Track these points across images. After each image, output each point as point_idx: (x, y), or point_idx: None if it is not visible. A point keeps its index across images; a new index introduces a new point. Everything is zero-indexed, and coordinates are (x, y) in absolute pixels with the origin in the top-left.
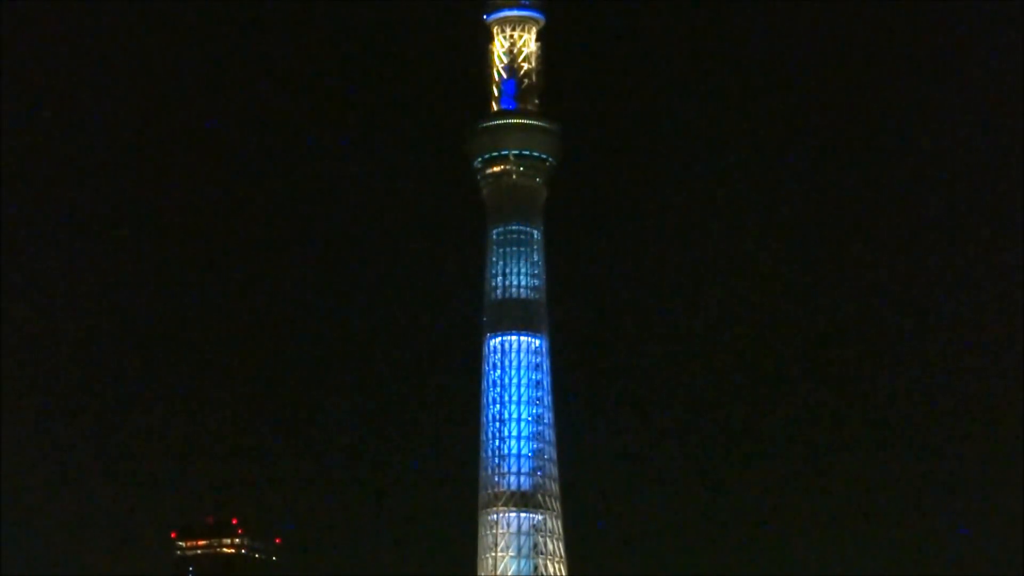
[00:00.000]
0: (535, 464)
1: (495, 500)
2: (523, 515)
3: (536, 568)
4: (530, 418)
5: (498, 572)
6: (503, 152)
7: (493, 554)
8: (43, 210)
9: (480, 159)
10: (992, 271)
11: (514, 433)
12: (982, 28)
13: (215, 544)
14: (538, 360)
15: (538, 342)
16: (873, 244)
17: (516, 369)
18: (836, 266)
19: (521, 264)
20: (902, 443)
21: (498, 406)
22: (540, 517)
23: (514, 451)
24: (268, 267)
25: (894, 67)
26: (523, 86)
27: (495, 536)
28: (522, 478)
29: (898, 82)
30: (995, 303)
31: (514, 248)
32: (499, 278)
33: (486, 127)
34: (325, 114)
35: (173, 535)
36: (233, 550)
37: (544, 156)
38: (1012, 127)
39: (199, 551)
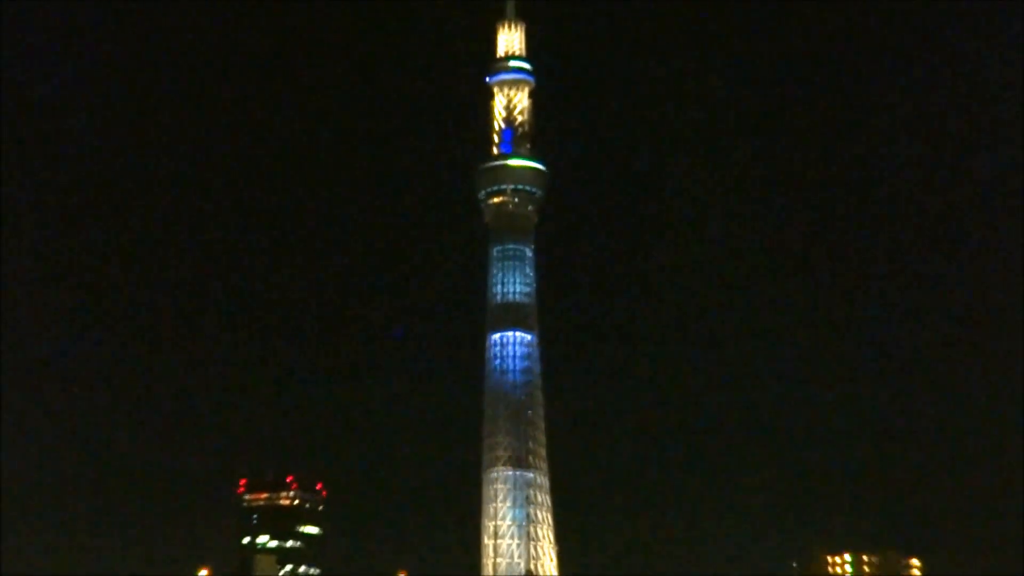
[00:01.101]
0: (528, 432)
1: (496, 461)
2: (518, 473)
3: (528, 515)
4: (524, 397)
5: (498, 517)
6: (502, 186)
7: (494, 504)
8: (46, 196)
9: (484, 192)
10: (992, 270)
11: (511, 408)
12: (982, 28)
13: (274, 497)
14: (530, 351)
15: (530, 337)
16: (865, 256)
17: (512, 359)
18: (819, 269)
19: (516, 275)
20: (901, 444)
21: (499, 388)
22: (531, 474)
23: (511, 422)
24: (320, 274)
25: (888, 68)
26: (518, 134)
27: (495, 489)
28: (517, 443)
29: (895, 82)
30: (995, 302)
31: (511, 262)
32: (499, 286)
33: (488, 167)
34: (359, 159)
35: (240, 490)
36: (288, 501)
37: (535, 189)
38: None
39: (261, 502)
